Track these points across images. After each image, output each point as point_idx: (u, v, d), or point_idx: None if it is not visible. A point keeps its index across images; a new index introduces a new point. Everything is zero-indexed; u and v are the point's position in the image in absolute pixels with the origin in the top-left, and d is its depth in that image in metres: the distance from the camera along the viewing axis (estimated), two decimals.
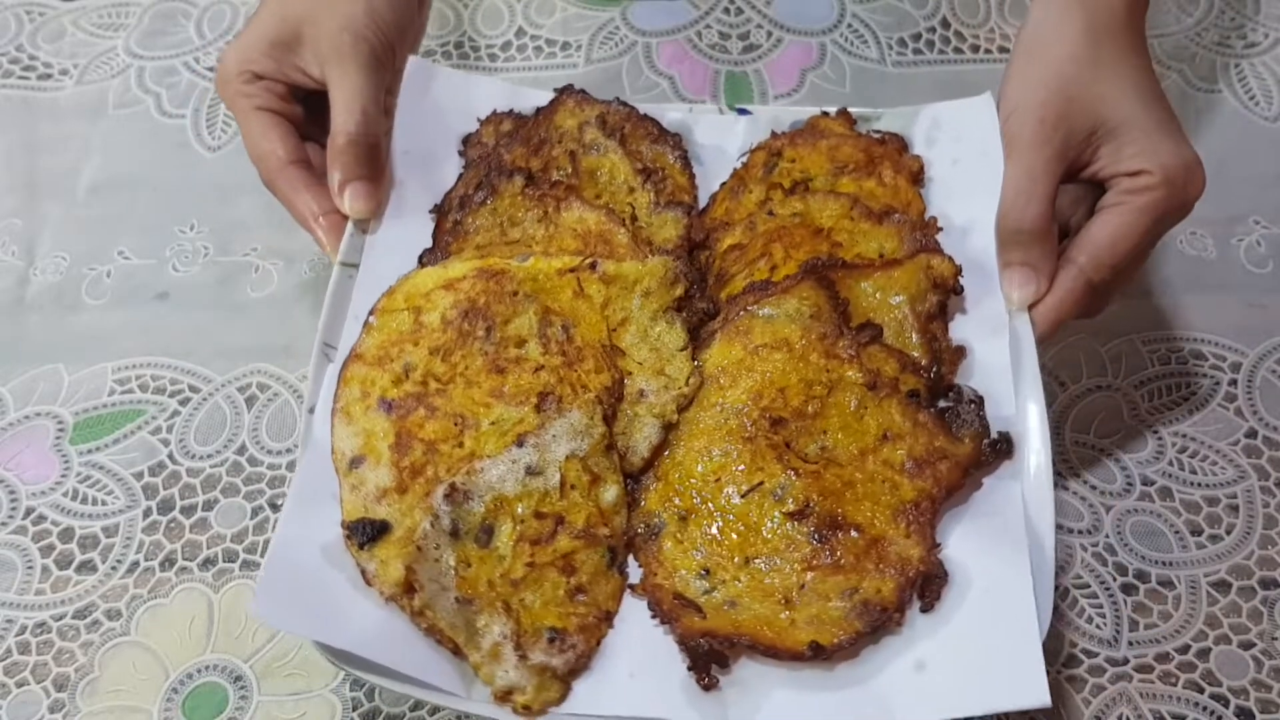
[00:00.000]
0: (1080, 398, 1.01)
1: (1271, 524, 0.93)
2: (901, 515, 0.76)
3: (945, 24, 1.29)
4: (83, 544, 0.94)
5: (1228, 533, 0.93)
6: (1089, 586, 0.90)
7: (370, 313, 0.85)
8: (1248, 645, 0.88)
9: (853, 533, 0.76)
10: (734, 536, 0.77)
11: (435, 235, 0.92)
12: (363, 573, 0.75)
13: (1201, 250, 1.11)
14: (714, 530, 0.78)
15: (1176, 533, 0.93)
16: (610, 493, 0.79)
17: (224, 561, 0.93)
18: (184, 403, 1.02)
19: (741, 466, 0.79)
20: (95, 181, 1.19)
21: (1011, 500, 0.78)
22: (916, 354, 0.83)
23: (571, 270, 0.85)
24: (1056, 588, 0.85)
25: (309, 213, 0.90)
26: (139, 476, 0.98)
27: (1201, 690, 0.86)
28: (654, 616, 0.76)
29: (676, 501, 0.79)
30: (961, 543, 0.77)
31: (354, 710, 0.86)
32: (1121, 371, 1.02)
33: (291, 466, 0.97)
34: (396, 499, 0.78)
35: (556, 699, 0.73)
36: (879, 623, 0.72)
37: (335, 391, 0.82)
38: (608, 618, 0.76)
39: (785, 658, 0.72)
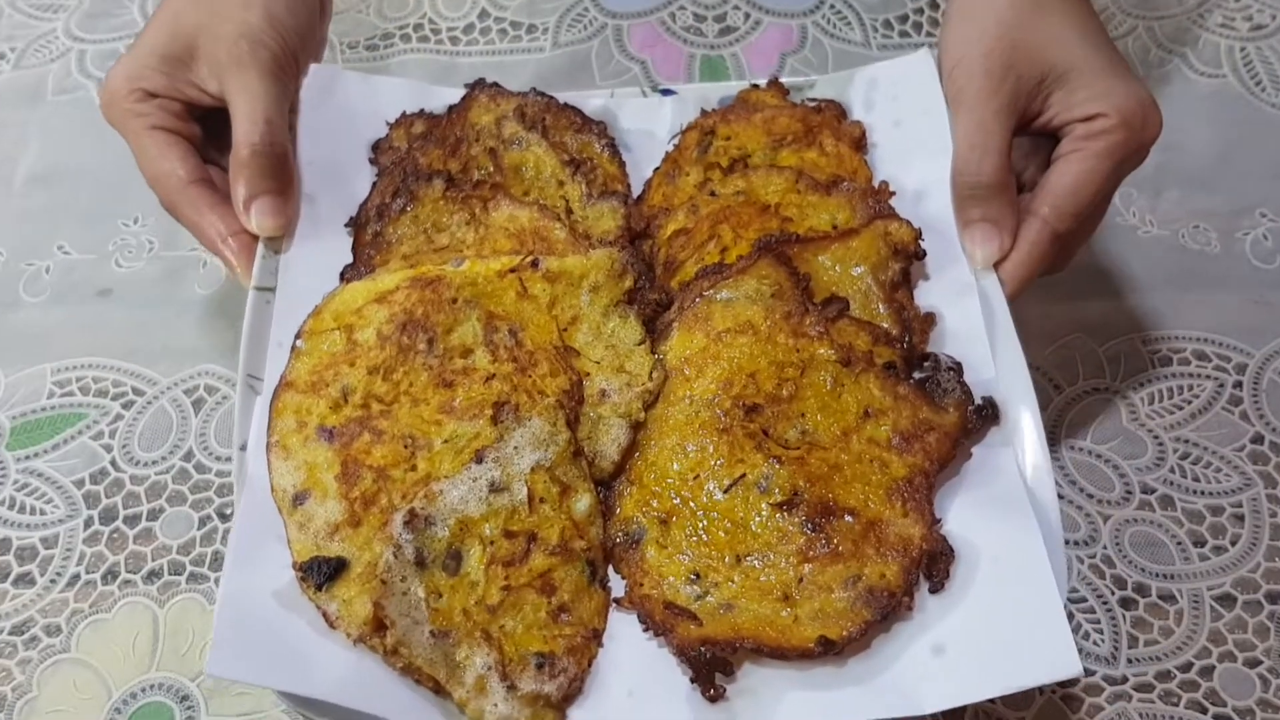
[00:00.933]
0: (1076, 400, 0.97)
1: (1279, 535, 0.90)
2: (896, 494, 0.73)
3: (933, 4, 1.25)
4: (20, 556, 0.90)
5: (1232, 544, 0.90)
6: (1085, 600, 0.87)
7: (297, 336, 0.80)
8: (1253, 663, 0.85)
9: (847, 518, 0.73)
10: (721, 535, 0.73)
11: (355, 249, 0.87)
12: (324, 615, 0.70)
13: (1205, 245, 1.07)
14: (699, 531, 0.74)
15: (1178, 543, 0.90)
16: (583, 503, 0.75)
17: (170, 574, 0.89)
18: (127, 406, 0.98)
19: (720, 460, 0.75)
20: (33, 171, 1.15)
21: (1006, 466, 0.75)
22: (886, 324, 0.80)
23: (512, 271, 0.80)
24: None
25: (216, 234, 0.85)
26: (80, 484, 0.94)
27: (1205, 710, 0.83)
28: (646, 629, 0.72)
29: (655, 505, 0.75)
30: (962, 516, 0.75)
31: None
32: (1120, 373, 0.99)
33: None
34: (350, 533, 0.72)
35: None
36: (888, 608, 0.69)
37: (268, 424, 0.77)
38: (596, 636, 0.72)
39: (793, 657, 0.69)
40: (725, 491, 0.74)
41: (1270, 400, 0.97)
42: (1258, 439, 0.95)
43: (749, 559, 0.72)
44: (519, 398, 0.76)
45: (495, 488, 0.73)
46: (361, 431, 0.76)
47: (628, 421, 0.77)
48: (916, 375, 0.79)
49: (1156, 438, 0.95)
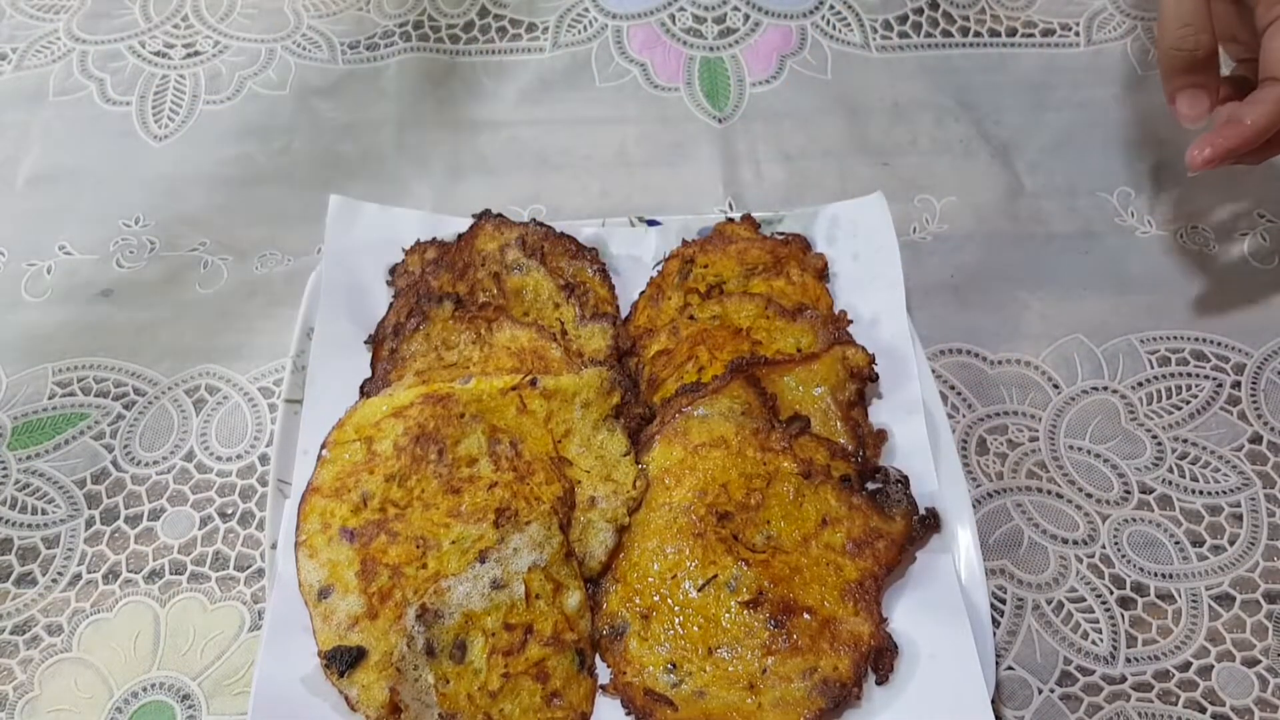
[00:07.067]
0: (1075, 400, 0.98)
1: (1277, 534, 0.90)
2: (848, 595, 0.81)
3: (934, 4, 1.25)
4: (21, 555, 0.91)
5: (1231, 543, 0.90)
6: (1084, 600, 0.88)
7: (323, 446, 0.88)
8: (1252, 662, 0.85)
9: (805, 615, 0.80)
10: (695, 629, 0.81)
11: (373, 364, 0.95)
12: (346, 699, 0.77)
13: (1203, 245, 1.08)
14: (676, 625, 0.81)
15: (1177, 543, 0.90)
16: (573, 599, 0.82)
17: (171, 574, 0.90)
18: (129, 406, 0.99)
19: (695, 562, 0.83)
20: (35, 172, 1.15)
21: (944, 571, 0.84)
22: (843, 440, 0.89)
23: (513, 389, 0.88)
24: (1050, 600, 0.87)
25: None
26: (81, 484, 0.94)
27: (1203, 710, 0.83)
28: (628, 714, 0.79)
29: (637, 601, 0.83)
30: (905, 615, 0.83)
31: None
32: (1119, 373, 0.99)
33: (242, 473, 0.95)
34: (369, 624, 0.80)
35: None
36: (840, 698, 0.77)
37: (296, 526, 0.85)
38: (584, 719, 0.80)
39: None
40: (699, 590, 0.82)
41: (1268, 400, 0.98)
42: (1256, 439, 0.96)
43: (719, 651, 0.80)
44: (518, 504, 0.84)
45: (496, 585, 0.80)
46: (379, 533, 0.83)
47: (614, 526, 0.85)
48: (869, 486, 0.87)
49: (1155, 437, 0.96)
